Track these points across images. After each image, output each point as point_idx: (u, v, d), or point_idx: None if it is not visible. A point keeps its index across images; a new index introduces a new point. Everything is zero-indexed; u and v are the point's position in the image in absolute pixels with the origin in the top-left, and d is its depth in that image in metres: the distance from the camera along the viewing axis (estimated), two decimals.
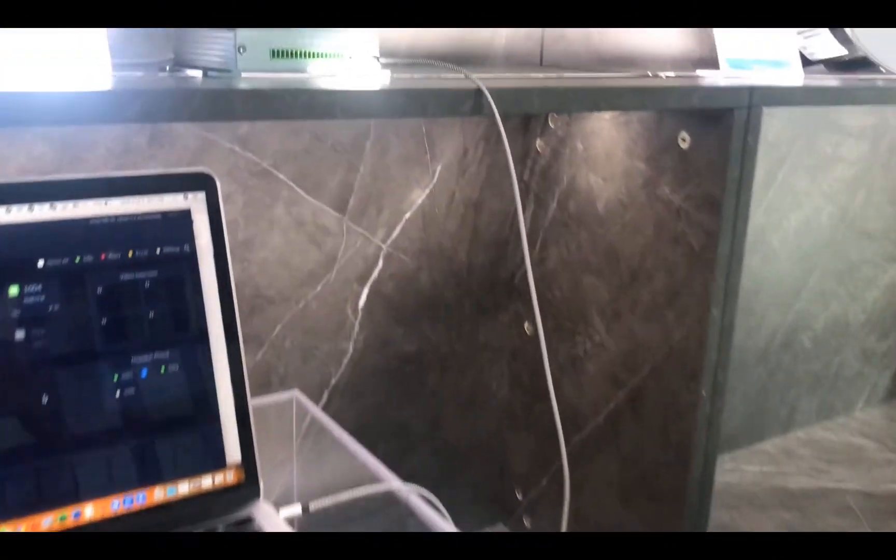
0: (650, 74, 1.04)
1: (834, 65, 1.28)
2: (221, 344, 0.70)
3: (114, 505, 0.65)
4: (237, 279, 1.02)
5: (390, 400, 1.18)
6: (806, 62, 1.24)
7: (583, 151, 1.12)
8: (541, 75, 0.96)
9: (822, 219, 1.63)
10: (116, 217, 0.66)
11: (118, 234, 0.66)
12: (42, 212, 0.63)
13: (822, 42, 1.25)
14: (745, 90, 0.93)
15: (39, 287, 0.62)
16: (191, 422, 0.68)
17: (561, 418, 0.86)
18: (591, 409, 1.15)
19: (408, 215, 1.14)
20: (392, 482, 0.85)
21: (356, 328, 1.13)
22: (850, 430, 1.76)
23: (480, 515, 1.31)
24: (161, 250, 0.67)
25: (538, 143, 1.18)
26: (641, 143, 1.03)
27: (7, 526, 0.61)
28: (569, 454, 1.03)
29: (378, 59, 0.83)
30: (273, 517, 0.70)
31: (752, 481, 1.52)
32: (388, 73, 0.84)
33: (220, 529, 0.68)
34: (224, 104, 0.62)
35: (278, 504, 0.76)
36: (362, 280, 1.12)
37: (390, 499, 0.85)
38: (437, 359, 1.21)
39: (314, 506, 0.81)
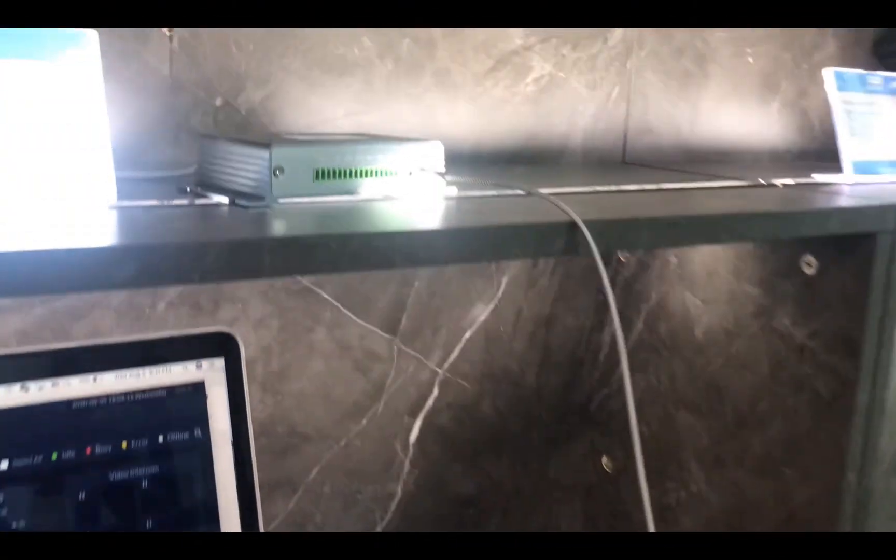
0: (763, 183, 0.87)
1: None
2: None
3: None
4: (268, 415, 0.86)
5: None
6: None
7: (677, 266, 0.95)
8: (635, 187, 0.79)
9: None
10: (108, 397, 0.50)
11: (109, 419, 0.50)
12: (10, 395, 0.48)
13: None
14: (892, 211, 0.75)
15: (1, 498, 0.47)
16: None
17: None
18: None
19: (468, 335, 0.97)
20: None
21: (406, 467, 0.96)
22: None
23: None
24: (165, 438, 0.52)
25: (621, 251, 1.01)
26: (753, 264, 0.86)
27: None
28: None
29: (444, 175, 0.68)
30: None
31: None
32: (454, 191, 0.68)
33: None
34: (247, 260, 0.47)
35: None
36: (414, 411, 0.96)
37: None
38: (499, 499, 1.03)
39: None
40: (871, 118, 0.96)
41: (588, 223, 0.59)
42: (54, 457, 0.49)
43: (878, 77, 0.99)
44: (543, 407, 1.05)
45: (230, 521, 0.54)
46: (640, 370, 1.00)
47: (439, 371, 0.96)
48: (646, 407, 1.00)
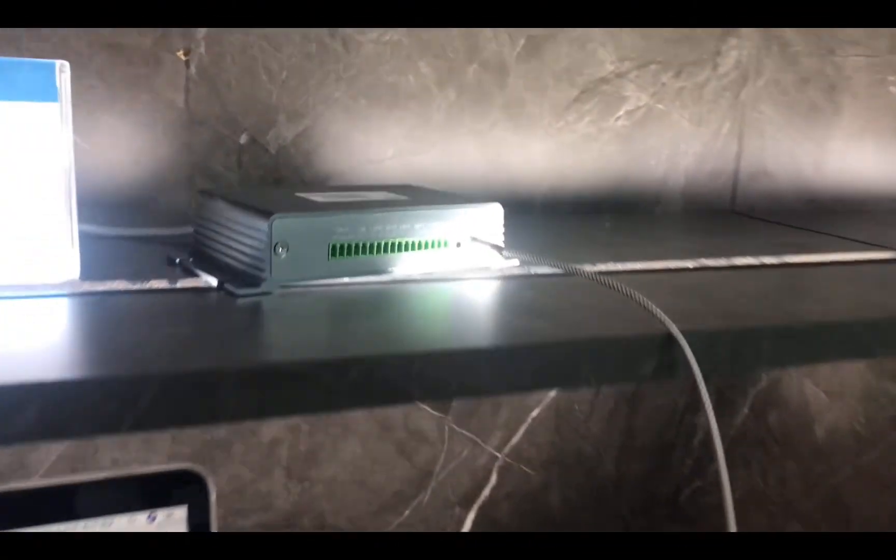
0: None
1: None
2: None
3: None
4: (294, 505, 0.74)
5: None
6: None
7: None
8: (750, 261, 0.63)
9: None
10: None
11: None
12: None
13: None
14: None
15: None
16: None
17: None
18: None
19: (535, 413, 0.82)
20: None
21: None
22: None
23: None
24: None
25: None
26: None
27: None
28: None
29: (501, 249, 0.53)
30: None
31: None
32: (514, 264, 0.54)
33: None
34: (193, 405, 0.34)
35: None
36: (467, 501, 0.81)
37: None
38: None
39: None
40: None
41: (689, 335, 0.44)
42: None
43: None
44: (623, 499, 0.89)
45: None
46: (742, 466, 0.83)
47: (498, 455, 0.82)
48: (748, 511, 0.82)
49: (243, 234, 0.48)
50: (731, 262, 0.62)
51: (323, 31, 0.69)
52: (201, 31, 0.65)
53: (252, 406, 0.35)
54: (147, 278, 0.47)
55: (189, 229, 0.55)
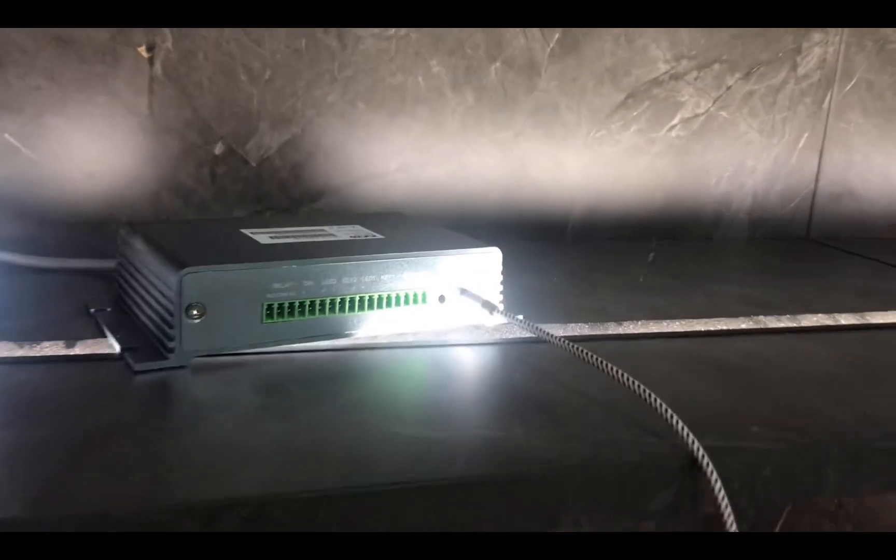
0: None
1: None
2: None
3: None
4: None
5: None
6: None
7: None
8: (827, 320, 0.50)
9: None
10: None
11: None
12: None
13: None
14: None
15: None
16: None
17: None
18: None
19: None
20: None
21: None
22: None
23: None
24: None
25: None
26: None
27: None
28: None
29: (493, 308, 0.42)
30: None
31: None
32: (509, 324, 0.42)
33: None
34: None
35: None
36: None
37: None
38: None
39: None
40: None
41: (720, 458, 0.32)
42: None
43: None
44: None
45: None
46: None
47: None
48: None
49: (154, 287, 0.38)
50: (798, 321, 0.50)
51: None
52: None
53: None
54: (39, 339, 0.38)
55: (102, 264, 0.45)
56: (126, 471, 0.28)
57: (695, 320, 0.48)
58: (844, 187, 0.76)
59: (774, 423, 0.35)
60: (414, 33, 0.61)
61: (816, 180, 0.75)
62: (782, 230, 0.74)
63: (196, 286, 0.36)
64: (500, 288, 0.44)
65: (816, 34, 0.71)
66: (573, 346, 0.37)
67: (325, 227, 0.45)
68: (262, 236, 0.42)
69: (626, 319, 0.48)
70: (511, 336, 0.43)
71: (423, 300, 0.42)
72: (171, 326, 0.36)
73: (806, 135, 0.73)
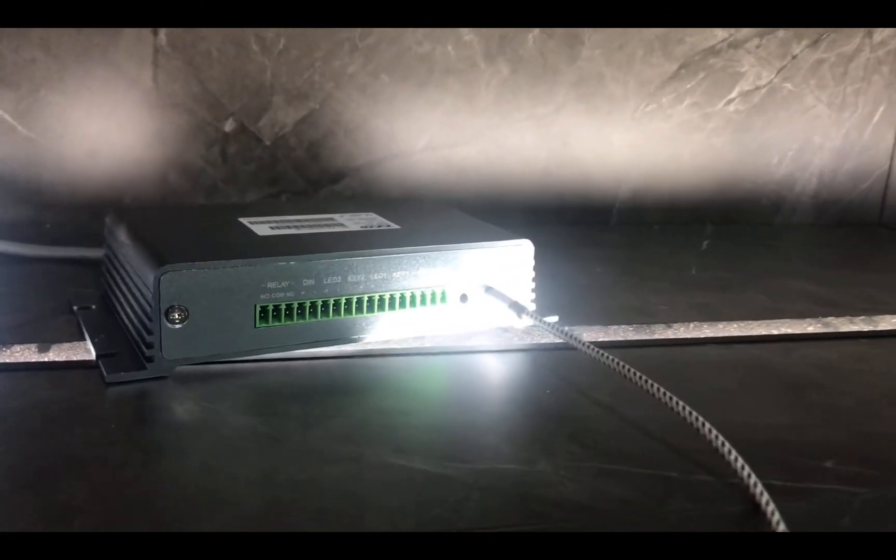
0: None
1: None
2: None
3: None
4: None
5: None
6: None
7: None
8: None
9: None
10: None
11: None
12: None
13: None
14: None
15: None
16: None
17: None
18: None
19: None
20: None
21: None
22: None
23: None
24: None
25: None
26: None
27: None
28: None
29: (521, 310, 0.37)
30: None
31: None
32: (531, 331, 0.37)
33: None
34: None
35: None
36: None
37: None
38: None
39: None
40: None
41: (780, 496, 0.26)
42: None
43: None
44: None
45: None
46: None
47: None
48: None
49: (135, 286, 0.33)
50: (874, 324, 0.43)
51: None
52: None
53: None
54: (10, 342, 0.34)
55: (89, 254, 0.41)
56: (70, 513, 0.23)
57: (754, 322, 0.43)
58: None
59: (853, 455, 0.30)
60: None
61: (892, 159, 0.67)
62: (852, 215, 0.67)
63: (176, 286, 0.31)
64: (532, 286, 0.39)
65: None
66: (612, 360, 0.32)
67: (335, 216, 0.40)
68: (261, 226, 0.37)
69: (674, 321, 0.42)
70: (543, 341, 0.38)
71: (442, 300, 0.37)
72: (149, 332, 0.31)
73: (881, 108, 0.66)
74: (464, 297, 0.37)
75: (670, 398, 0.30)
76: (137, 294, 0.33)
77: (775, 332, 0.42)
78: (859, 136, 0.66)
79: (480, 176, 0.59)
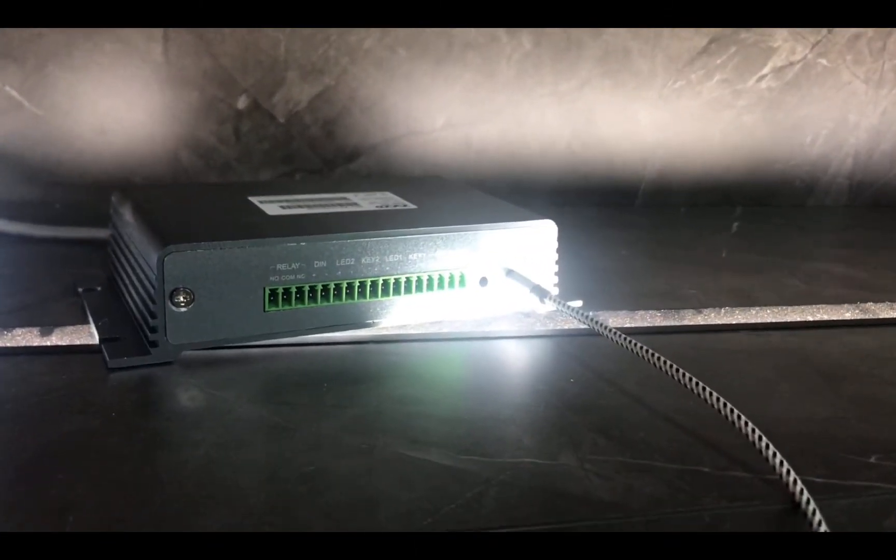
0: None
1: None
2: None
3: None
4: None
5: None
6: None
7: None
8: None
9: None
10: None
11: None
12: None
13: None
14: None
15: None
16: None
17: None
18: None
19: None
20: None
21: None
22: None
23: None
24: None
25: None
26: None
27: None
28: None
29: (544, 295, 0.35)
30: None
31: None
32: (553, 316, 0.35)
33: None
34: None
35: None
36: None
37: None
38: None
39: None
40: None
41: (821, 493, 0.24)
42: None
43: None
44: None
45: None
46: None
47: None
48: None
49: (140, 268, 0.32)
50: None
51: None
52: None
53: None
54: (13, 325, 0.33)
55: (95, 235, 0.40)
56: (65, 507, 0.22)
57: (788, 308, 0.40)
58: None
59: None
60: None
61: None
62: (888, 197, 0.65)
63: (181, 268, 0.30)
64: (555, 268, 0.37)
65: None
66: (639, 347, 0.30)
67: (349, 195, 0.39)
68: (271, 206, 0.36)
69: (706, 307, 0.40)
70: (566, 326, 0.36)
71: (461, 283, 0.35)
72: (153, 316, 0.30)
73: None
74: (483, 281, 0.36)
75: (703, 388, 0.28)
76: (142, 275, 0.32)
77: (811, 318, 0.40)
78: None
79: (501, 155, 0.57)
